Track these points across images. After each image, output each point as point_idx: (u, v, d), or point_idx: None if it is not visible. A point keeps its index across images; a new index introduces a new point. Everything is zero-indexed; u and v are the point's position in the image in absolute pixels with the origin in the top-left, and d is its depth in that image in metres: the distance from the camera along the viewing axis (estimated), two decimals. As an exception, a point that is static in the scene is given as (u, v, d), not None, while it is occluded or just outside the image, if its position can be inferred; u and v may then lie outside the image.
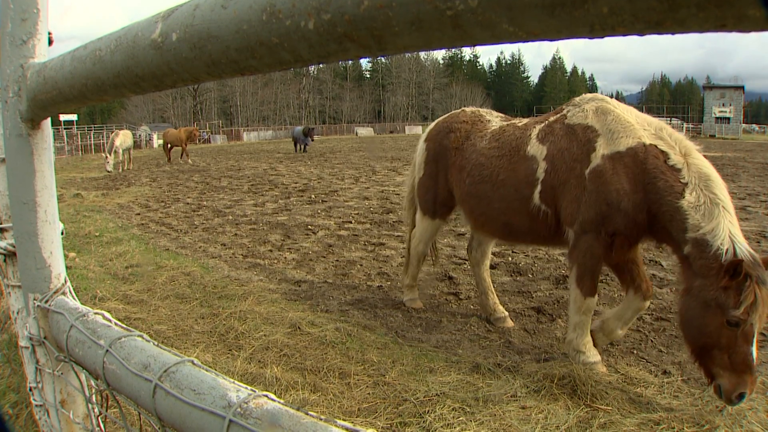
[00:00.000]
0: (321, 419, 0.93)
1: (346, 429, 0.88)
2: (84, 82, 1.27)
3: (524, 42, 0.58)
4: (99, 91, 1.24)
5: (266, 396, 1.03)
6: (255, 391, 1.05)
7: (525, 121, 6.45)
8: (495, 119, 6.83)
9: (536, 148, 5.83)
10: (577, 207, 5.43)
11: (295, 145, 48.05)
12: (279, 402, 1.01)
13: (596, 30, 0.54)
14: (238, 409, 1.00)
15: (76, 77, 1.30)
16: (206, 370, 1.18)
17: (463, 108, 7.36)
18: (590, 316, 5.64)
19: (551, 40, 0.58)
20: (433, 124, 7.42)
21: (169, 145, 38.20)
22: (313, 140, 48.92)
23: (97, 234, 13.00)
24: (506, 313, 7.15)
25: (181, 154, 38.32)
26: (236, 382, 1.11)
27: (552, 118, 6.03)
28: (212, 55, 0.83)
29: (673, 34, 0.54)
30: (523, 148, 5.94)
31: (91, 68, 1.21)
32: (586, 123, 5.59)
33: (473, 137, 6.59)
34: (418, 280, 7.96)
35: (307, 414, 0.95)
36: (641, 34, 0.55)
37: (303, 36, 0.68)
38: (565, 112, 5.90)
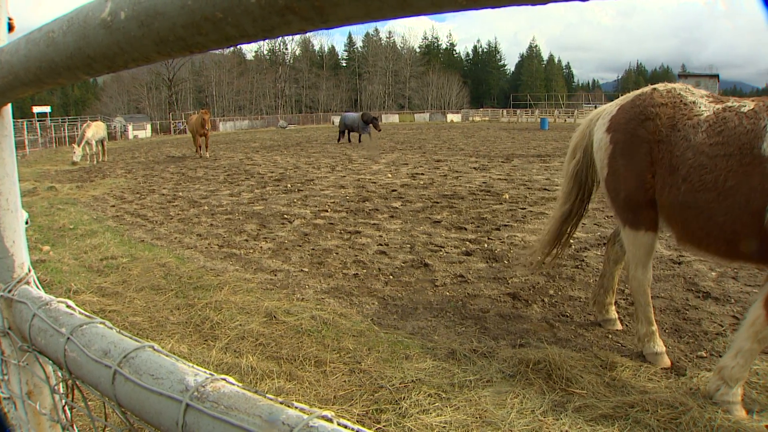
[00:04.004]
0: (278, 401, 0.92)
1: (303, 410, 0.87)
2: (38, 65, 1.25)
3: (466, 10, 0.57)
4: (53, 74, 1.22)
5: (224, 379, 1.02)
6: (213, 375, 1.04)
7: (749, 104, 4.81)
8: (700, 99, 5.23)
9: None
10: None
11: (341, 135, 42.59)
12: (237, 385, 1.00)
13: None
14: (195, 393, 0.99)
15: (30, 60, 1.27)
16: (166, 355, 1.17)
17: (653, 86, 5.70)
18: (762, 348, 4.61)
19: (493, 8, 0.57)
20: (614, 109, 5.81)
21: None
22: (379, 130, 41.58)
23: (71, 227, 12.88)
24: (617, 316, 6.59)
25: (206, 144, 33.46)
26: (195, 366, 1.10)
27: None
28: (160, 32, 0.82)
29: None
30: (756, 145, 4.48)
31: (45, 50, 1.19)
32: None
33: (682, 127, 5.08)
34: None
35: (264, 396, 0.94)
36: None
37: (246, 9, 0.67)
38: None
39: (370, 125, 40.46)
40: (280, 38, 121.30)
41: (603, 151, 5.72)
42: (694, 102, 5.20)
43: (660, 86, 5.59)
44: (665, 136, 5.15)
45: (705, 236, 4.89)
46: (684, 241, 5.20)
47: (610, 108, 5.92)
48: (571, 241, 6.84)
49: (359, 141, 41.17)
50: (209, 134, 32.54)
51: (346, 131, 42.36)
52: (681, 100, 5.28)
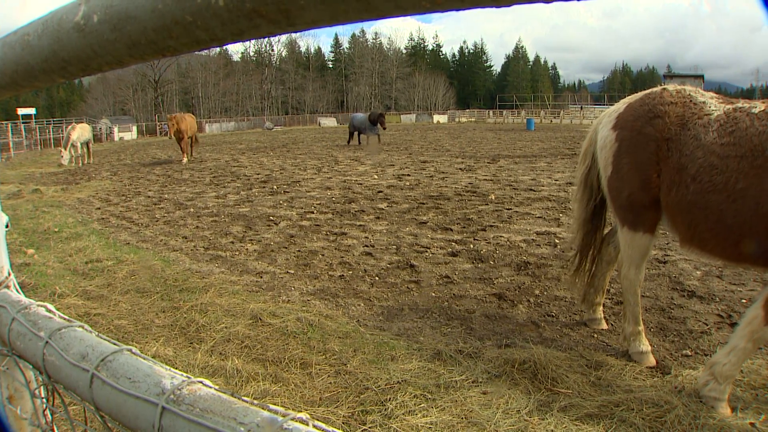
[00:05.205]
0: (253, 403, 0.92)
1: (278, 413, 0.87)
2: (15, 68, 1.24)
3: (429, 12, 0.58)
4: (29, 77, 1.22)
5: (201, 382, 1.02)
6: (189, 378, 1.04)
7: (760, 105, 4.72)
8: (710, 101, 5.12)
9: None
10: None
11: (351, 136, 40.61)
12: (213, 388, 1.01)
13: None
14: (171, 396, 0.99)
15: (7, 63, 1.27)
16: (143, 359, 1.17)
17: (663, 86, 5.58)
18: (756, 348, 4.71)
19: (456, 10, 0.57)
20: (622, 107, 5.71)
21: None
22: (385, 128, 38.94)
23: (56, 230, 12.81)
24: (602, 316, 6.61)
25: (184, 148, 31.53)
26: (172, 369, 1.10)
27: None
28: (132, 36, 0.82)
29: None
30: None
31: (21, 53, 1.18)
32: None
33: (692, 126, 4.96)
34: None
35: (240, 399, 0.94)
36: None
37: (214, 13, 0.67)
38: None
39: (380, 124, 38.30)
40: (267, 39, 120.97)
41: (608, 149, 5.63)
42: (704, 102, 5.10)
43: (670, 86, 5.48)
44: (674, 134, 5.04)
45: (712, 238, 4.78)
46: (688, 242, 5.07)
47: (617, 106, 5.82)
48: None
49: (367, 142, 39.60)
50: (185, 137, 30.85)
51: (356, 133, 40.48)
52: (691, 100, 5.18)
